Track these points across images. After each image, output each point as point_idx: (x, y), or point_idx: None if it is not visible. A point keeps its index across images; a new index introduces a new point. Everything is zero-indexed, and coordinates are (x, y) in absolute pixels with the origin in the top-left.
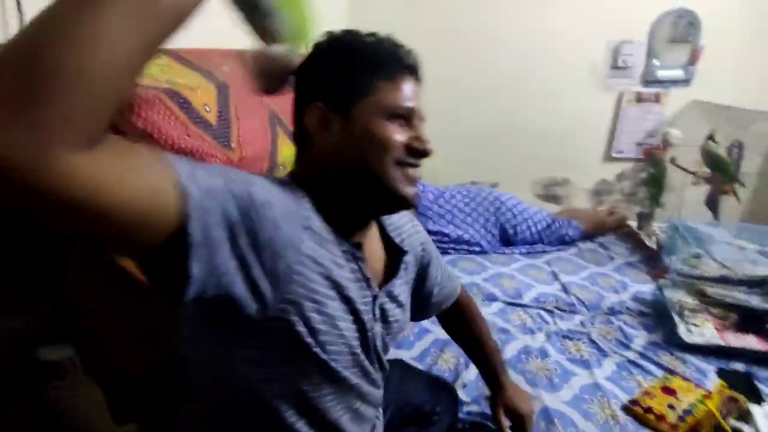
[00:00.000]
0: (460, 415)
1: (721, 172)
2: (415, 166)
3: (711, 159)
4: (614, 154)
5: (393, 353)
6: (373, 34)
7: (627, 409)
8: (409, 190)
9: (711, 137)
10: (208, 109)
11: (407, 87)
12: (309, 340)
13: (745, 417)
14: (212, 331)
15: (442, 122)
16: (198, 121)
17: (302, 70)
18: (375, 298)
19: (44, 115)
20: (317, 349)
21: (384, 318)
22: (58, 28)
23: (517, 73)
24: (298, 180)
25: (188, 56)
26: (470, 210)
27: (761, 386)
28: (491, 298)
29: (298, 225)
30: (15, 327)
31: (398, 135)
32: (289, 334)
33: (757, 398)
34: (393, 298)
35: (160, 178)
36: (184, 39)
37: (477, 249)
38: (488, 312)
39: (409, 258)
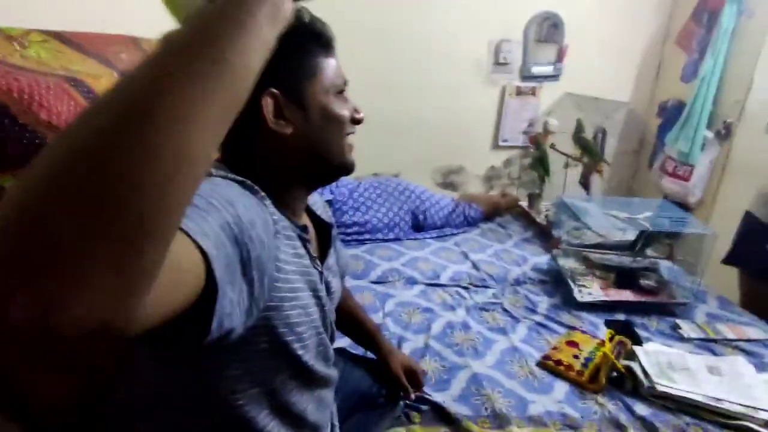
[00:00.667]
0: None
1: (589, 154)
2: (353, 133)
3: (581, 143)
4: (501, 143)
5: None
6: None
7: (540, 364)
8: (352, 157)
9: (579, 122)
10: None
11: (337, 60)
12: (289, 338)
13: (631, 356)
14: (188, 362)
15: None
16: None
17: None
18: (321, 274)
19: (135, 265)
20: (296, 345)
21: (329, 291)
22: (138, 165)
23: (413, 69)
24: (247, 171)
25: (79, 40)
26: (383, 200)
27: (638, 330)
28: (412, 282)
29: (272, 233)
30: None
31: (345, 110)
32: (270, 336)
33: (637, 341)
34: (331, 271)
35: (183, 255)
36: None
37: (391, 236)
38: (412, 294)
39: (334, 231)
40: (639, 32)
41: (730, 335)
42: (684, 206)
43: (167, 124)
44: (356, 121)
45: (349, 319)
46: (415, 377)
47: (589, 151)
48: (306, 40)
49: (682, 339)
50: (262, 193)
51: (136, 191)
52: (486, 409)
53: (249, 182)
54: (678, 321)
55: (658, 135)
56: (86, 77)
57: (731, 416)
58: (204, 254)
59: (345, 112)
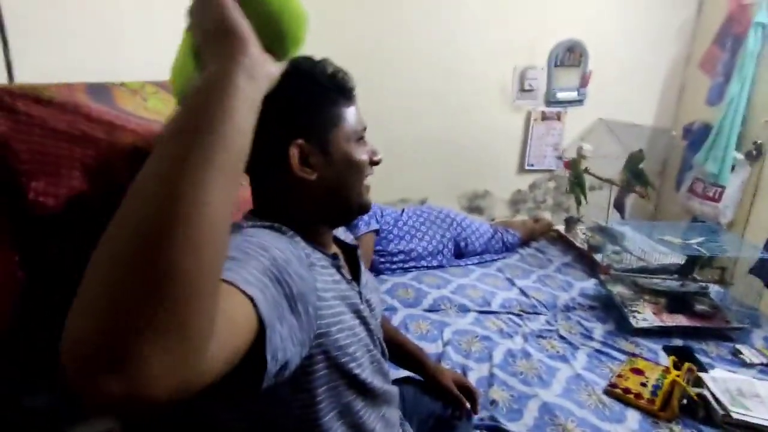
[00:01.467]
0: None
1: (639, 180)
2: (371, 174)
3: (635, 173)
4: (527, 167)
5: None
6: (319, 60)
7: (609, 392)
8: (369, 198)
9: (641, 153)
10: None
11: (357, 108)
12: (344, 359)
13: (699, 383)
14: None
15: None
16: None
17: (272, 102)
18: (360, 294)
19: (193, 328)
20: (352, 365)
21: (371, 308)
22: (177, 239)
23: (438, 93)
24: (277, 216)
25: None
26: (426, 228)
27: (698, 356)
28: (464, 309)
29: (306, 267)
30: (40, 405)
31: (364, 154)
32: (326, 362)
33: (701, 367)
34: (368, 288)
35: (232, 306)
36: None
37: (435, 263)
38: (466, 322)
39: (359, 251)
40: (661, 57)
41: None
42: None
43: (187, 216)
44: (374, 163)
45: (389, 343)
46: (468, 391)
47: (642, 177)
48: (329, 91)
49: (744, 364)
50: (291, 232)
51: (177, 277)
52: None
53: (277, 225)
54: (737, 346)
55: (684, 157)
56: None
57: None
58: (251, 299)
59: (364, 157)
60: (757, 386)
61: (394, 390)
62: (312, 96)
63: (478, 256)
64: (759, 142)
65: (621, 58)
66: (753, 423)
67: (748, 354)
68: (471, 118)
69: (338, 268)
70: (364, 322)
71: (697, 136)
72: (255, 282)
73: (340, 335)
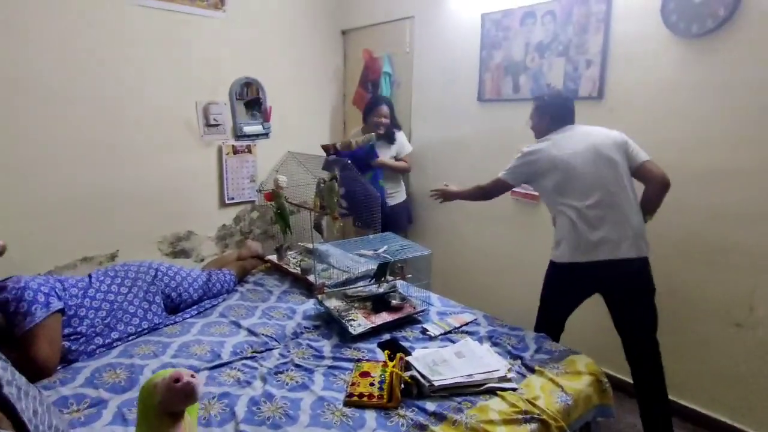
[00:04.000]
0: None
1: (330, 204)
2: None
3: (330, 195)
4: (227, 201)
5: None
6: None
7: (347, 403)
8: None
9: (334, 178)
10: None
11: None
12: None
13: (408, 366)
14: None
15: (25, 197)
16: None
17: None
18: None
19: None
20: None
21: None
22: None
23: (122, 136)
24: None
25: None
26: (127, 289)
27: (402, 343)
28: (194, 370)
29: None
30: None
31: None
32: None
33: (406, 352)
34: None
35: None
36: None
37: (145, 326)
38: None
39: None
40: (325, 95)
41: (456, 324)
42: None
43: None
44: None
45: None
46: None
47: (331, 203)
48: None
49: (431, 338)
50: None
51: None
52: None
53: None
54: (424, 325)
55: None
56: None
57: (481, 384)
58: None
59: None
60: (442, 353)
61: None
62: None
63: (196, 305)
64: None
65: (294, 96)
66: (448, 384)
67: (432, 329)
68: (161, 157)
69: None
70: None
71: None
72: None
73: None
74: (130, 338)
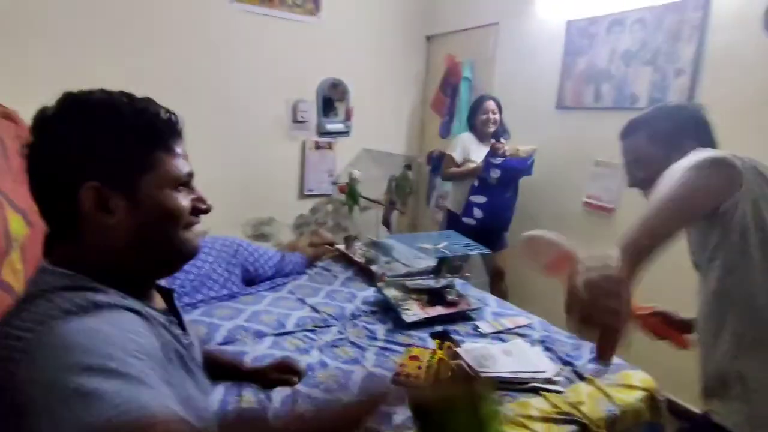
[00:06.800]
0: None
1: (401, 197)
2: (198, 222)
3: (403, 184)
4: (306, 192)
5: None
6: (125, 95)
7: (395, 381)
8: (196, 244)
9: (409, 168)
10: None
11: (183, 152)
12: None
13: (456, 356)
14: None
15: None
16: None
17: (47, 145)
18: (188, 346)
19: None
20: None
21: (193, 356)
22: None
23: (216, 126)
24: (81, 264)
25: None
26: (213, 259)
27: (453, 336)
28: (260, 335)
29: (157, 362)
30: None
31: (185, 201)
32: None
33: (456, 343)
34: (191, 334)
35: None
36: None
37: (225, 293)
38: (264, 347)
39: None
40: (404, 98)
41: (510, 325)
42: None
43: None
44: (199, 211)
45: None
46: (288, 367)
47: (401, 196)
48: (139, 132)
49: (482, 335)
50: (130, 315)
51: None
52: None
53: (110, 306)
54: (477, 323)
55: (429, 179)
56: None
57: (525, 381)
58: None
59: (184, 204)
60: (491, 349)
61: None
62: (108, 136)
63: (269, 281)
64: None
65: (376, 98)
66: (494, 377)
67: (483, 327)
68: (249, 148)
69: (170, 327)
70: (188, 370)
71: (437, 162)
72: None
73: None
74: (212, 301)
